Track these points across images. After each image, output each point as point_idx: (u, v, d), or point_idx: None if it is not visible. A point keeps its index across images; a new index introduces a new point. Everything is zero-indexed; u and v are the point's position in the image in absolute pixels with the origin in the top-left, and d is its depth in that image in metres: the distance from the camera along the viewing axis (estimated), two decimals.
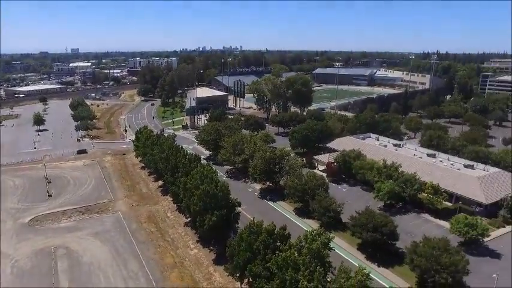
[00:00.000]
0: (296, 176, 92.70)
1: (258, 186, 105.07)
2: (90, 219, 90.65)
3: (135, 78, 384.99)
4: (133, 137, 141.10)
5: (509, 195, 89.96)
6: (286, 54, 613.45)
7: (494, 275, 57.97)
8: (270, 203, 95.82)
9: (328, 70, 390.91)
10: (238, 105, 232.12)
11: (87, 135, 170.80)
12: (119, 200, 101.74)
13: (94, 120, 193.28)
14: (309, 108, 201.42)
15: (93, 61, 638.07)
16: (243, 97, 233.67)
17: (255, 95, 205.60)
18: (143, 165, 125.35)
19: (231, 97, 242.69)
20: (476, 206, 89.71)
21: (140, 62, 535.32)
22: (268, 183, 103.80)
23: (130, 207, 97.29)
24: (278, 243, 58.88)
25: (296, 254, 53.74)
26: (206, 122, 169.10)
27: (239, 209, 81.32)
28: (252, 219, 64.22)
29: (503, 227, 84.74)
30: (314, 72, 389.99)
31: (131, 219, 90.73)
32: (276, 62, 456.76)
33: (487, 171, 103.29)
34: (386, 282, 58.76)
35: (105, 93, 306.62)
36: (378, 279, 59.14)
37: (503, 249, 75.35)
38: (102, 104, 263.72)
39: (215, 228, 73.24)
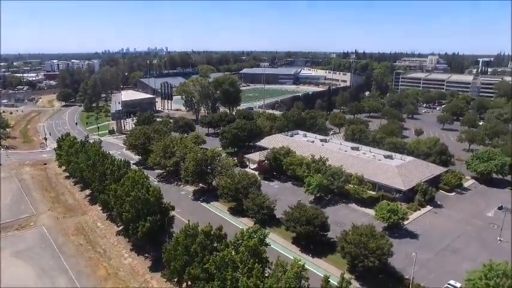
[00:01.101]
0: (228, 175, 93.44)
1: (191, 189, 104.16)
2: (10, 237, 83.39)
3: (53, 82, 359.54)
4: (54, 145, 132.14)
5: (423, 180, 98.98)
6: (213, 55, 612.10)
7: (414, 254, 63.45)
8: (204, 204, 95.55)
9: (255, 70, 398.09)
10: (166, 108, 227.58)
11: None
12: (42, 213, 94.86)
13: (7, 129, 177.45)
14: (238, 108, 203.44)
15: (3, 64, 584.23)
16: (171, 99, 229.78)
17: (183, 97, 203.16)
18: (68, 174, 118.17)
19: (158, 99, 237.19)
20: (396, 193, 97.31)
21: (58, 64, 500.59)
22: (201, 184, 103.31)
23: (55, 220, 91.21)
24: (215, 244, 59.15)
25: (234, 252, 54.52)
26: (134, 126, 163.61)
27: (173, 213, 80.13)
28: (187, 222, 63.68)
29: (419, 209, 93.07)
30: (241, 72, 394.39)
31: (57, 233, 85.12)
32: (202, 62, 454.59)
33: (404, 160, 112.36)
34: (321, 271, 61.56)
35: (19, 99, 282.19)
36: (313, 270, 61.74)
37: (420, 229, 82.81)
38: (16, 111, 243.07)
39: (149, 235, 71.55)
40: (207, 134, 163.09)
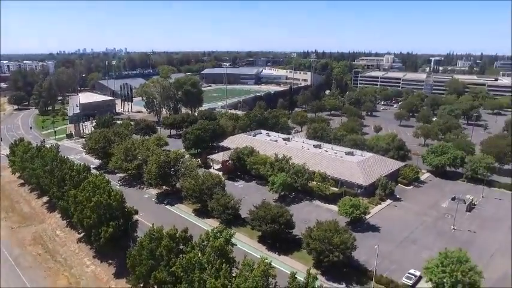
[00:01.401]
0: (192, 177, 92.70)
1: (154, 192, 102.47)
2: None
3: (3, 85, 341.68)
4: (7, 152, 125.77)
5: (383, 175, 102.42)
6: (174, 56, 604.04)
7: (376, 246, 65.61)
8: (168, 207, 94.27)
9: (217, 70, 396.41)
10: (126, 110, 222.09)
11: None
12: None
13: None
14: (200, 108, 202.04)
15: None
16: (131, 101, 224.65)
17: (144, 98, 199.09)
18: (22, 181, 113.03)
19: (118, 101, 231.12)
20: (357, 188, 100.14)
21: (9, 65, 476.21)
22: (164, 187, 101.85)
23: (10, 231, 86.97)
24: (181, 246, 58.58)
25: (200, 254, 54.22)
26: (93, 129, 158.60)
27: (137, 217, 78.64)
28: (151, 225, 62.64)
29: (380, 203, 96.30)
30: (203, 72, 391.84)
31: (12, 244, 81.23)
32: (163, 63, 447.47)
33: (364, 156, 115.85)
34: (287, 268, 62.19)
35: None
36: (279, 267, 62.42)
37: (381, 223, 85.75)
38: None
39: (112, 240, 69.77)
40: (170, 136, 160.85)
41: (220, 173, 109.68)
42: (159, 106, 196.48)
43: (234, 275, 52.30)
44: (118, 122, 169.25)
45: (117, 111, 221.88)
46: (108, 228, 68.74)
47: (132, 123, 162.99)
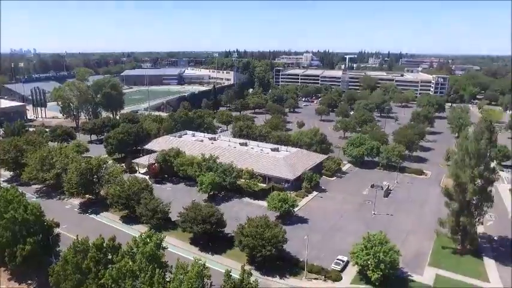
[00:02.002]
0: (117, 183, 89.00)
1: (76, 201, 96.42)
2: None
3: None
4: None
5: (308, 168, 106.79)
6: (90, 57, 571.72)
7: (306, 237, 68.23)
8: (93, 216, 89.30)
9: (138, 71, 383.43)
10: (40, 116, 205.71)
11: None
12: None
13: None
14: (122, 111, 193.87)
15: None
16: (45, 106, 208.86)
17: (60, 103, 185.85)
18: None
19: (29, 107, 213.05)
20: (285, 183, 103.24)
21: None
22: (88, 195, 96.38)
23: None
24: (110, 256, 55.92)
25: (130, 261, 52.27)
26: (1, 138, 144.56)
27: (58, 230, 73.66)
28: (75, 237, 58.89)
29: (307, 196, 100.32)
30: (123, 74, 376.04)
31: None
32: (79, 65, 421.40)
33: (289, 151, 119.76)
34: (222, 267, 62.13)
35: None
36: (214, 267, 62.11)
37: (309, 214, 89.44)
38: None
39: (31, 258, 64.32)
40: (90, 142, 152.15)
41: (147, 177, 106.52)
42: (76, 111, 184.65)
43: (168, 279, 51.29)
44: (30, 129, 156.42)
45: (28, 117, 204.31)
46: (25, 245, 63.23)
47: (47, 129, 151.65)
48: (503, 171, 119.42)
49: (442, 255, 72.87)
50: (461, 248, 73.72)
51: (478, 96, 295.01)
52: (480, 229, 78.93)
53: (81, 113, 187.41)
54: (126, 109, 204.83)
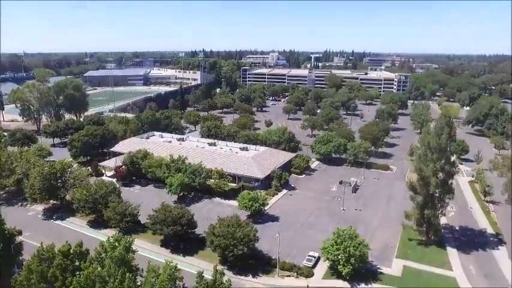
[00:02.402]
0: (83, 187, 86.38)
1: (40, 207, 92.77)
2: None
3: None
4: None
5: (277, 167, 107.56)
6: (51, 57, 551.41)
7: (277, 235, 68.83)
8: (58, 222, 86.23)
9: (101, 72, 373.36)
10: None
11: None
12: None
13: None
14: (86, 113, 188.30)
15: None
16: (2, 109, 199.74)
17: (19, 105, 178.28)
18: None
19: None
20: (254, 182, 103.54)
21: None
22: (52, 201, 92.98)
23: None
24: (77, 263, 54.18)
25: (99, 267, 50.87)
26: None
27: (21, 238, 70.61)
28: (39, 245, 56.65)
29: (277, 194, 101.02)
30: (86, 75, 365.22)
31: None
32: (38, 66, 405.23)
33: (258, 150, 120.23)
34: (194, 269, 61.52)
35: None
36: (186, 269, 61.58)
37: (279, 212, 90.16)
38: None
39: None
40: (53, 145, 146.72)
41: (114, 180, 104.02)
42: (37, 113, 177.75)
43: (139, 283, 50.35)
44: None
45: None
46: None
47: (5, 134, 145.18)
48: (462, 164, 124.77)
49: (408, 247, 75.38)
50: (426, 239, 76.54)
51: (437, 93, 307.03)
52: (443, 220, 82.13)
53: (43, 116, 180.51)
54: (91, 111, 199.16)
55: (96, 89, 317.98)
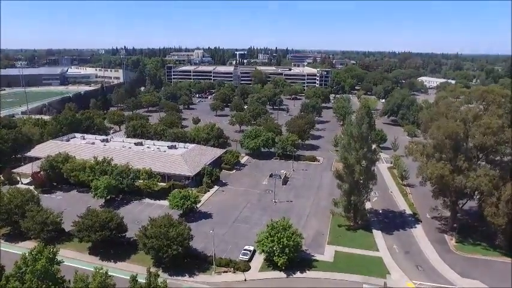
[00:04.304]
0: None
1: None
2: None
3: None
4: None
5: (207, 164, 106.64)
6: None
7: (211, 231, 68.18)
8: None
9: (10, 71, 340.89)
10: None
11: None
12: None
13: None
14: None
15: None
16: None
17: None
18: None
19: None
20: (185, 180, 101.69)
21: None
22: None
23: None
24: None
25: (18, 283, 46.37)
26: None
27: None
28: None
29: (208, 191, 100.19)
30: None
31: None
32: None
33: (187, 148, 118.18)
34: (127, 274, 58.55)
35: None
36: (118, 275, 58.38)
37: (212, 209, 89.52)
38: None
39: None
40: None
41: (32, 187, 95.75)
42: None
43: None
44: None
45: None
46: None
47: None
48: (381, 152, 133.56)
49: (338, 233, 79.02)
50: (354, 224, 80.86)
51: (356, 87, 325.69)
52: (368, 205, 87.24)
53: None
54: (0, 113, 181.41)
55: (4, 90, 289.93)
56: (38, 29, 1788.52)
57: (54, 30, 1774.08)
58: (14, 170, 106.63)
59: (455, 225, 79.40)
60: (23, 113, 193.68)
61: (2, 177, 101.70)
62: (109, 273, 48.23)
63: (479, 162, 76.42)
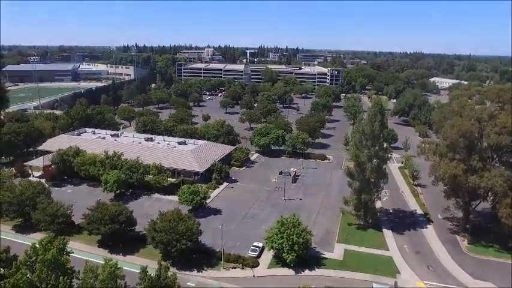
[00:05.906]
0: (6, 188, 79.00)
1: None
2: None
3: None
4: None
5: (217, 160, 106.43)
6: None
7: (220, 227, 67.64)
8: None
9: (24, 67, 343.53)
10: None
11: None
12: None
13: None
14: (7, 110, 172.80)
15: None
16: None
17: None
18: None
19: None
20: (194, 175, 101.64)
21: None
22: None
23: None
24: (2, 271, 49.19)
25: (28, 272, 46.60)
26: None
27: None
28: None
29: (218, 187, 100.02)
30: (5, 70, 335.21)
31: None
32: None
33: (197, 144, 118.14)
34: (136, 268, 58.63)
35: None
36: (127, 268, 58.08)
37: (221, 205, 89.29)
38: None
39: None
40: None
41: (43, 180, 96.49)
42: None
43: (76, 287, 46.96)
44: None
45: None
46: None
47: None
48: (392, 152, 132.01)
49: (348, 231, 78.26)
50: (364, 223, 79.98)
51: (367, 87, 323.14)
52: (378, 204, 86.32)
53: None
54: (13, 107, 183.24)
55: (17, 85, 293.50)
56: (51, 29, 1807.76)
57: (66, 30, 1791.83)
58: (26, 163, 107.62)
59: (467, 226, 78.07)
60: (35, 107, 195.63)
61: (14, 170, 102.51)
62: (118, 265, 48.19)
63: (493, 163, 75.15)
